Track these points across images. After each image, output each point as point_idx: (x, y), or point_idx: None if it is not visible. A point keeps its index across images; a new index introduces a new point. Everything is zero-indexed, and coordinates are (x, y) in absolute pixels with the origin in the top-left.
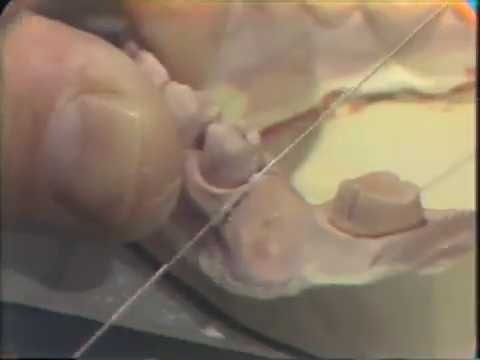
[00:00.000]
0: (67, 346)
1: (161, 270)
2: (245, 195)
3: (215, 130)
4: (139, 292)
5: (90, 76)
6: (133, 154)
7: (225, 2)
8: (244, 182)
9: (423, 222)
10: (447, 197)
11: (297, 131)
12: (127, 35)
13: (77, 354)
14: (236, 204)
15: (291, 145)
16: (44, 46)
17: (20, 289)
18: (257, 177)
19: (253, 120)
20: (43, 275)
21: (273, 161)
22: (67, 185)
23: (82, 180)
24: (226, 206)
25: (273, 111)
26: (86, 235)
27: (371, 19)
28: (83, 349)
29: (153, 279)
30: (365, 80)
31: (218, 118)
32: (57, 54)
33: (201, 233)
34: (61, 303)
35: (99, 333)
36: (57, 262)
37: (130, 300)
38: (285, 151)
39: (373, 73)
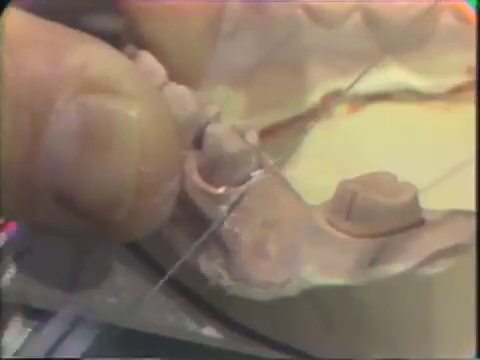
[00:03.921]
0: (67, 346)
1: (166, 276)
2: (244, 195)
3: (214, 130)
4: (143, 297)
5: (89, 76)
6: (132, 153)
7: (222, 0)
8: (243, 182)
9: (422, 222)
10: (446, 197)
11: (296, 131)
12: (127, 35)
13: (77, 355)
14: (235, 204)
15: (292, 146)
16: (42, 47)
17: (19, 290)
18: (256, 177)
19: (252, 120)
20: (43, 276)
21: (274, 162)
22: (67, 185)
23: (81, 180)
24: (225, 207)
25: (272, 111)
26: (86, 235)
27: (370, 19)
28: (83, 350)
29: (158, 286)
30: (359, 77)
31: (217, 118)
32: (55, 55)
33: (204, 237)
34: (61, 304)
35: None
36: (57, 263)
37: (134, 304)
38: (286, 152)
39: (368, 70)
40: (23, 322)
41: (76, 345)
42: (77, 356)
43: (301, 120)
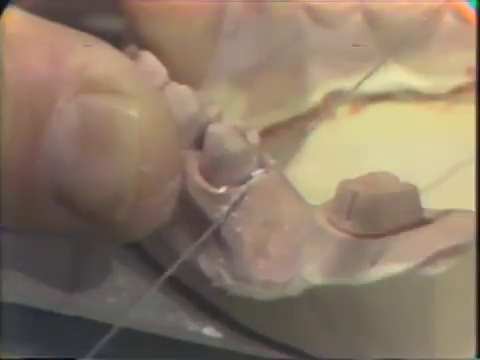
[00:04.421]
0: (68, 346)
1: (166, 274)
2: (245, 195)
3: (215, 130)
4: (143, 297)
5: (89, 76)
6: (132, 153)
7: (223, 1)
8: (244, 182)
9: (422, 222)
10: (447, 197)
11: (297, 131)
12: (128, 35)
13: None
14: (236, 204)
15: (293, 146)
16: (43, 47)
17: (19, 290)
18: (257, 177)
19: (253, 120)
20: (43, 276)
21: (275, 162)
22: (67, 185)
23: (82, 179)
24: (226, 206)
25: (273, 111)
26: (86, 235)
27: (371, 19)
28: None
29: (157, 285)
30: (365, 78)
31: (218, 118)
32: (56, 55)
33: (204, 237)
34: (61, 304)
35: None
36: (57, 263)
37: (134, 304)
38: (288, 152)
39: (373, 72)
40: None
41: (76, 345)
42: (77, 356)
43: (302, 120)
